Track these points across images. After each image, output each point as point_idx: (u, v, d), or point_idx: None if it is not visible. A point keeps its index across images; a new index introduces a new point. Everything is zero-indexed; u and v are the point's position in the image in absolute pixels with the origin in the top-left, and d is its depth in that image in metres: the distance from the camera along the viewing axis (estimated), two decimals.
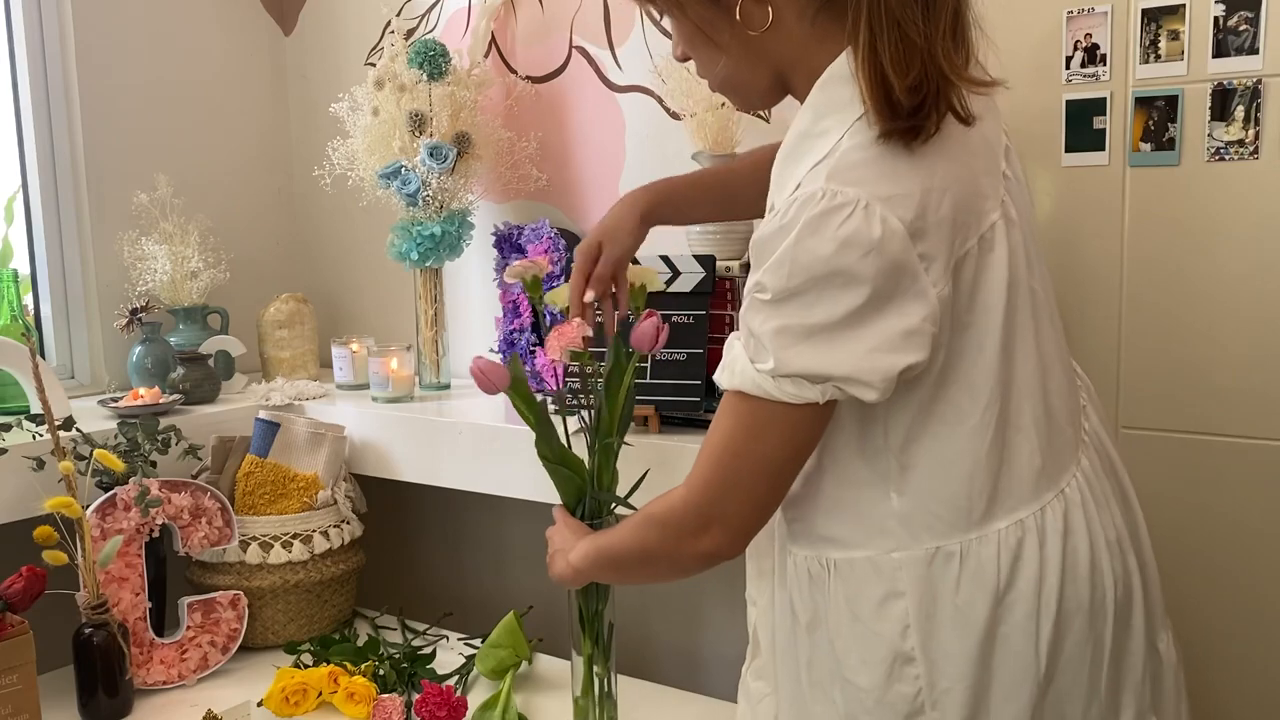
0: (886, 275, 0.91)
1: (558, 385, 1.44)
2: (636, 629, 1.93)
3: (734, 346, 0.99)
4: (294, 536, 1.74)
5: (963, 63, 0.96)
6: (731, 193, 1.35)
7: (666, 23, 1.06)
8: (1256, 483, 1.39)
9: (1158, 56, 1.39)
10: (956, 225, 0.94)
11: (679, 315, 1.50)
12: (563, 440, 1.35)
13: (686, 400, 1.49)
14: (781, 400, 0.95)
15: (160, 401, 1.78)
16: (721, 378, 1.00)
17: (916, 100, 0.91)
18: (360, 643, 1.75)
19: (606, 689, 1.40)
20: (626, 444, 1.36)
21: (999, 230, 0.97)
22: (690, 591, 1.89)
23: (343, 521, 1.81)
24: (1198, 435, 1.42)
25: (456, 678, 1.65)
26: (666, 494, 1.07)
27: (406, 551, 2.24)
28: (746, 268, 1.53)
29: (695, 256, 1.52)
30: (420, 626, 1.86)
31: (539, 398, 1.34)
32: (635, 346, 1.27)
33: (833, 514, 1.02)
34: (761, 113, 1.67)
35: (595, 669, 1.39)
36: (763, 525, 1.04)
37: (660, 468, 1.40)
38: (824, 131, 0.96)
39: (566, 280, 1.31)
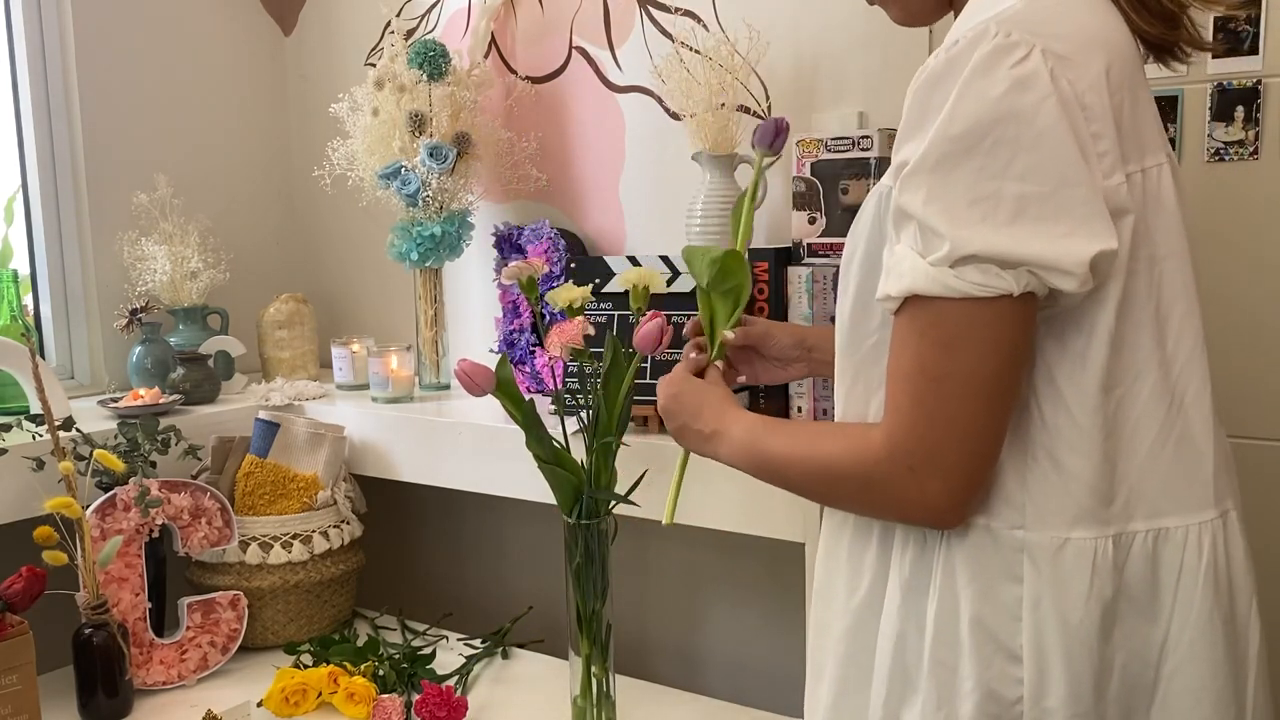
0: (1068, 129, 0.79)
1: (556, 385, 1.44)
2: (635, 628, 1.93)
3: (894, 251, 0.85)
4: (294, 537, 1.74)
5: None
6: (802, 336, 1.24)
7: None
8: (1257, 484, 1.39)
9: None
10: (1124, 132, 0.83)
11: (679, 316, 1.50)
12: (562, 440, 1.35)
13: None
14: (969, 295, 0.80)
15: (160, 402, 1.78)
16: (887, 285, 0.85)
17: (1178, 5, 0.87)
18: (360, 643, 1.75)
19: (605, 689, 1.40)
20: (625, 444, 1.36)
21: (1165, 176, 0.87)
22: (690, 591, 1.89)
23: (342, 522, 1.81)
24: None
25: (456, 678, 1.65)
26: (855, 432, 0.90)
27: (406, 551, 2.24)
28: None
29: None
30: (420, 626, 1.86)
31: (540, 398, 1.34)
32: (639, 348, 1.27)
33: None
34: (761, 112, 1.67)
35: (593, 669, 1.39)
36: (986, 477, 0.85)
37: (659, 468, 1.40)
38: (997, 4, 0.85)
39: (565, 280, 1.31)
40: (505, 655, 1.76)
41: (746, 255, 1.21)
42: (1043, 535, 0.85)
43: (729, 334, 1.18)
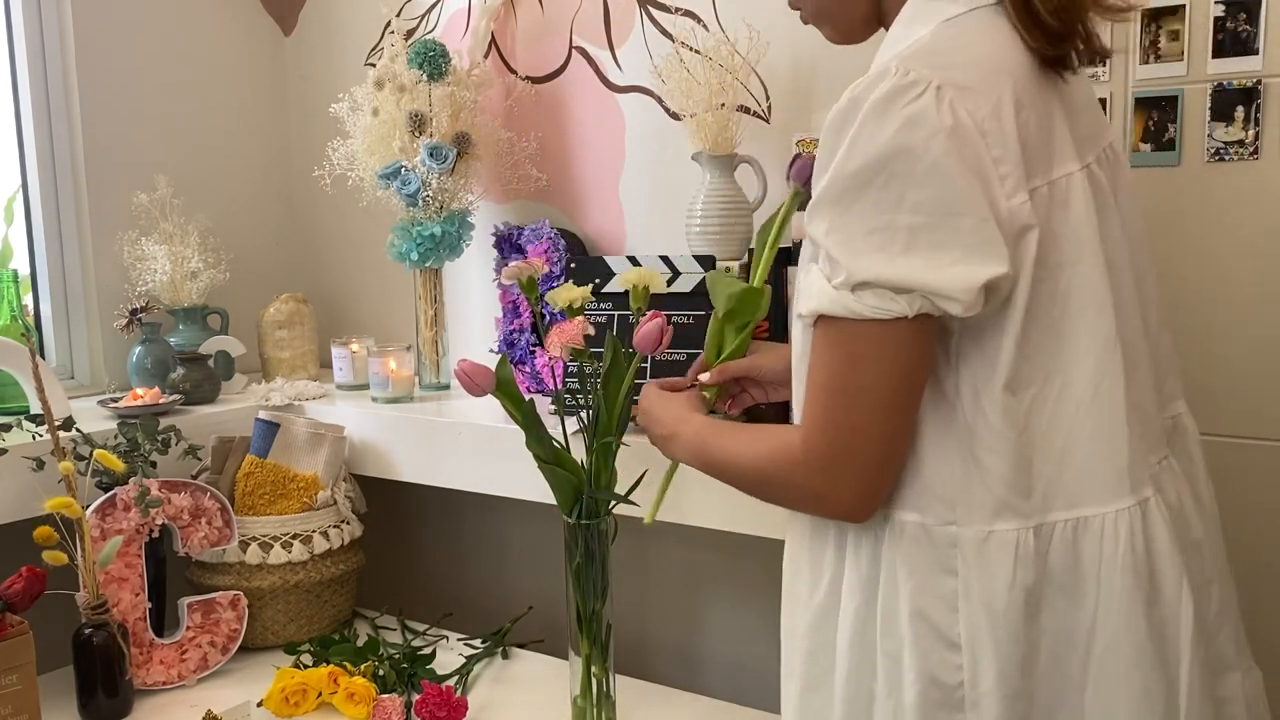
0: (957, 162, 0.84)
1: (556, 385, 1.44)
2: (635, 629, 1.93)
3: (810, 269, 0.92)
4: (294, 537, 1.74)
5: None
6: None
7: None
8: (1258, 484, 1.39)
9: (1158, 57, 1.39)
10: (1031, 150, 0.89)
11: (679, 316, 1.50)
12: (562, 440, 1.35)
13: None
14: (868, 317, 0.87)
15: (160, 402, 1.78)
16: (799, 303, 0.93)
17: (1063, 21, 0.90)
18: (360, 643, 1.75)
19: (605, 690, 1.40)
20: (624, 444, 1.36)
21: (1075, 184, 0.91)
22: (689, 591, 1.89)
23: (342, 522, 1.81)
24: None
25: (456, 678, 1.65)
26: (779, 437, 0.98)
27: (406, 551, 2.24)
28: (745, 268, 1.54)
29: (695, 257, 1.52)
30: (420, 626, 1.86)
31: (540, 398, 1.34)
32: (639, 348, 1.27)
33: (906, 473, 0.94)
34: (761, 112, 1.67)
35: (593, 669, 1.39)
36: (892, 477, 0.93)
37: (658, 467, 1.40)
38: (909, 35, 0.94)
39: (565, 280, 1.32)
40: (505, 655, 1.76)
41: (767, 290, 1.27)
42: (970, 529, 0.91)
43: (704, 378, 1.25)
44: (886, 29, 1.00)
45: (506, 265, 1.87)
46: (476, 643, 1.80)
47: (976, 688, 0.91)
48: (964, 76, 0.87)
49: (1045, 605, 0.91)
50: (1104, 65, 1.37)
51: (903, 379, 0.89)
